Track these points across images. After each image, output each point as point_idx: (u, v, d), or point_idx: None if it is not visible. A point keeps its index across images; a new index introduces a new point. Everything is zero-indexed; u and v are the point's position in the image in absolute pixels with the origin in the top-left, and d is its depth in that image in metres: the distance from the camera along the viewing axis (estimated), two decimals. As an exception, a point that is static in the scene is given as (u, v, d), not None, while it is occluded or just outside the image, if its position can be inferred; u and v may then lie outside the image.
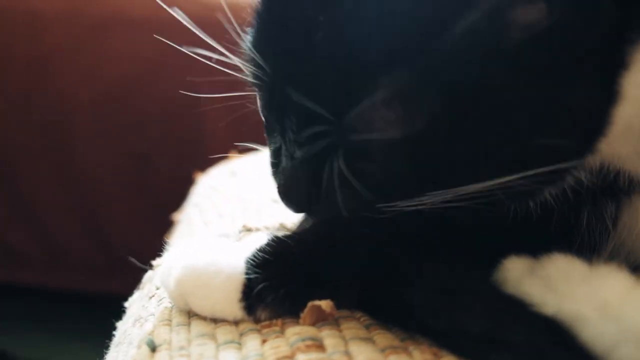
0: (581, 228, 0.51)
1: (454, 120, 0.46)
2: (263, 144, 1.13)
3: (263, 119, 0.59)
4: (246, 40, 0.55)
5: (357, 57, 0.47)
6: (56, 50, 1.48)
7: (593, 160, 0.50)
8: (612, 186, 0.51)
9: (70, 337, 1.53)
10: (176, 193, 1.20)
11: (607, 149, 0.49)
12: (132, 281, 0.78)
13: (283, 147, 0.55)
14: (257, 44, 0.53)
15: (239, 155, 1.14)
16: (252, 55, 0.53)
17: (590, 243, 0.51)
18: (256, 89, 0.56)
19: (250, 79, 0.55)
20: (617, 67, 0.47)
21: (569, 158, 0.48)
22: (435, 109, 0.46)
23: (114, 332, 0.64)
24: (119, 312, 0.68)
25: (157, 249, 0.86)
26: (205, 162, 1.19)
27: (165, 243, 0.96)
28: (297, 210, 0.56)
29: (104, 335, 0.65)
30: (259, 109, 0.58)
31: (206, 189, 0.99)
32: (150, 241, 1.14)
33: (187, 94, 1.47)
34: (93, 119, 1.49)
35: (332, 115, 0.48)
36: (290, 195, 0.55)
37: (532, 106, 0.46)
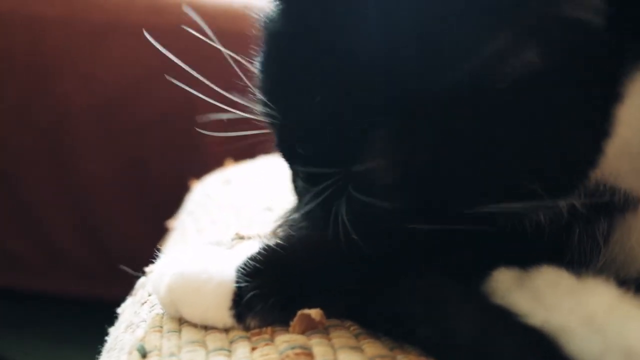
0: (572, 244, 0.52)
1: (447, 161, 0.47)
2: (259, 150, 1.15)
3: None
4: (255, 72, 0.56)
5: (355, 113, 0.48)
6: (56, 55, 1.48)
7: (587, 182, 0.51)
8: (606, 204, 0.51)
9: (67, 343, 1.53)
10: (173, 200, 1.21)
11: (602, 170, 0.50)
12: (129, 287, 0.79)
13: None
14: (264, 90, 0.54)
15: (235, 163, 1.15)
16: (262, 97, 0.54)
17: (580, 258, 0.52)
18: (268, 125, 0.56)
19: (261, 117, 0.55)
20: (611, 99, 0.47)
21: (559, 192, 0.48)
22: (430, 155, 0.47)
23: (107, 338, 0.65)
24: (116, 318, 0.69)
25: (154, 256, 0.86)
26: (202, 170, 1.20)
27: (159, 250, 0.97)
28: None
29: (102, 341, 0.65)
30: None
31: (201, 196, 1.00)
32: (148, 247, 1.14)
33: (184, 101, 1.48)
34: (91, 124, 1.49)
35: (337, 169, 0.49)
36: (312, 228, 0.56)
37: (522, 145, 0.47)
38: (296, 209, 0.61)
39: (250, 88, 0.57)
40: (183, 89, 1.56)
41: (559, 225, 0.51)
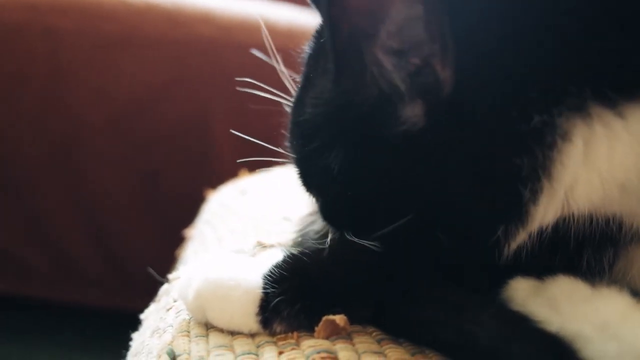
0: (581, 268, 0.54)
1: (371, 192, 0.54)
2: (273, 161, 1.16)
3: None
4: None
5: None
6: (70, 66, 1.50)
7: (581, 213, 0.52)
8: (612, 233, 0.53)
9: (77, 352, 1.54)
10: (184, 211, 1.22)
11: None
12: (141, 297, 0.80)
13: None
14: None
15: (249, 174, 1.16)
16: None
17: (587, 280, 0.53)
18: None
19: None
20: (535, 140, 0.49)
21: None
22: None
23: (122, 348, 0.66)
24: (127, 328, 0.70)
25: (167, 264, 0.88)
26: (214, 181, 1.21)
27: (177, 258, 0.99)
28: None
29: (112, 350, 0.67)
30: None
31: (217, 206, 1.01)
32: (159, 257, 1.16)
33: (198, 113, 1.50)
34: (105, 135, 1.51)
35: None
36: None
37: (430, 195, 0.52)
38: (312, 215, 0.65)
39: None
40: (196, 101, 1.59)
41: (570, 249, 0.53)
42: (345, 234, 0.55)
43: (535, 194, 0.49)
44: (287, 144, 0.62)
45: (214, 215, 0.97)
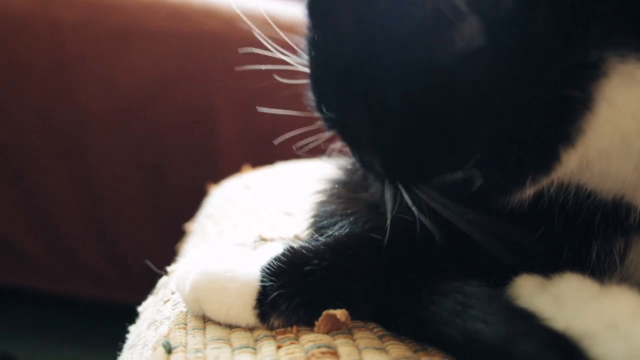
0: (590, 261, 0.52)
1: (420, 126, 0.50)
2: (276, 157, 1.15)
3: None
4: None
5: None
6: (76, 59, 1.49)
7: (606, 193, 0.51)
8: (623, 223, 0.52)
9: (78, 345, 1.54)
10: (188, 204, 1.22)
11: (601, 167, 0.50)
12: (141, 290, 0.79)
13: None
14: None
15: (253, 168, 1.16)
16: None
17: (597, 275, 0.52)
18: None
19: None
20: (583, 77, 0.47)
21: (532, 166, 0.49)
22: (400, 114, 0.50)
23: (122, 340, 0.65)
24: (127, 321, 0.69)
25: (167, 258, 0.87)
26: (218, 175, 1.20)
27: (178, 252, 0.98)
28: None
29: (112, 343, 0.66)
30: None
31: (220, 200, 1.00)
32: (161, 251, 1.15)
33: (202, 107, 1.50)
34: (110, 128, 1.50)
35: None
36: None
37: (483, 115, 0.48)
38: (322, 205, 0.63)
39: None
40: (201, 94, 1.58)
41: (578, 241, 0.52)
42: (404, 192, 0.52)
43: (571, 135, 0.48)
44: (316, 101, 0.56)
45: (217, 209, 0.96)
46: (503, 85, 0.47)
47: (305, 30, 0.56)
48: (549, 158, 0.49)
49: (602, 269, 0.53)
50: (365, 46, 0.50)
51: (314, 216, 0.64)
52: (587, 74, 0.46)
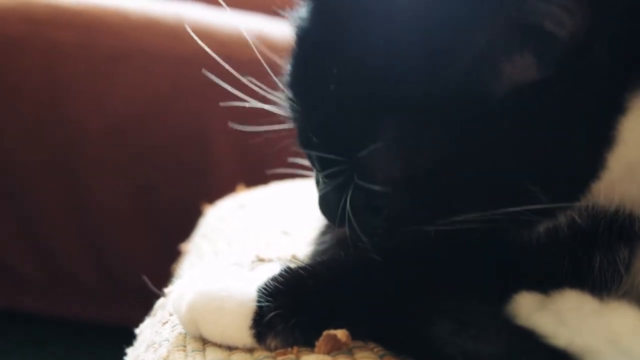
0: (593, 271, 0.52)
1: (451, 161, 0.49)
2: (271, 177, 1.15)
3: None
4: (284, 76, 0.58)
5: (359, 106, 0.50)
6: (70, 79, 1.49)
7: (609, 203, 0.51)
8: (627, 231, 0.52)
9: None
10: (181, 224, 1.21)
11: (615, 192, 0.50)
12: (136, 310, 0.79)
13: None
14: (290, 84, 0.56)
15: (247, 188, 1.15)
16: (287, 93, 0.56)
17: (601, 286, 0.52)
18: (292, 122, 0.58)
19: (287, 113, 0.57)
20: (613, 112, 0.49)
21: (561, 200, 0.50)
22: (432, 151, 0.49)
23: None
24: (124, 343, 0.69)
25: (161, 277, 0.86)
26: (212, 195, 1.20)
27: (173, 272, 0.97)
28: (333, 224, 0.57)
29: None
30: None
31: (215, 220, 1.00)
32: (155, 271, 1.14)
33: (196, 127, 1.50)
34: (103, 148, 1.50)
35: (344, 158, 0.51)
36: (325, 211, 0.57)
37: (524, 152, 0.49)
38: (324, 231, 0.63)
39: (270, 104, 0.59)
40: (194, 114, 1.58)
41: (579, 251, 0.52)
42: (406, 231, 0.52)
43: (600, 169, 0.49)
44: (313, 148, 0.54)
45: (212, 229, 0.96)
46: (553, 119, 0.48)
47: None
48: (581, 191, 0.50)
49: (605, 280, 0.52)
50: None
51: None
52: (617, 110, 0.49)
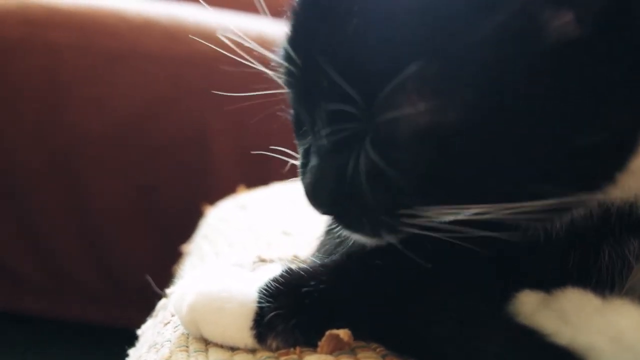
0: (600, 265, 0.51)
1: (483, 117, 0.46)
2: (270, 178, 1.15)
3: (292, 119, 0.58)
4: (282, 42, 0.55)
5: (389, 42, 0.47)
6: (70, 81, 1.50)
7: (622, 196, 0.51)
8: (636, 223, 0.51)
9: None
10: (182, 225, 1.21)
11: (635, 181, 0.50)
12: (136, 312, 0.79)
13: (312, 144, 0.54)
14: (291, 39, 0.53)
15: (247, 189, 1.15)
16: (287, 50, 0.53)
17: (607, 279, 0.51)
18: (288, 88, 0.55)
19: (282, 76, 0.54)
20: None
21: (587, 188, 0.48)
22: (465, 102, 0.45)
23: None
24: (123, 343, 0.68)
25: (162, 278, 0.86)
26: (212, 196, 1.20)
27: (174, 273, 0.97)
28: (323, 211, 0.54)
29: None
30: (290, 107, 0.57)
31: (216, 221, 1.00)
32: (155, 272, 1.14)
33: (196, 128, 1.50)
34: (103, 149, 1.50)
35: (361, 97, 0.47)
36: (316, 194, 0.53)
37: (556, 121, 0.46)
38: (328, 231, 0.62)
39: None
40: (194, 115, 1.58)
41: (587, 244, 0.51)
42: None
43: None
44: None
45: (213, 230, 0.96)
46: (591, 82, 0.46)
47: None
48: (605, 180, 0.49)
49: (612, 272, 0.51)
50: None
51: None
52: None
